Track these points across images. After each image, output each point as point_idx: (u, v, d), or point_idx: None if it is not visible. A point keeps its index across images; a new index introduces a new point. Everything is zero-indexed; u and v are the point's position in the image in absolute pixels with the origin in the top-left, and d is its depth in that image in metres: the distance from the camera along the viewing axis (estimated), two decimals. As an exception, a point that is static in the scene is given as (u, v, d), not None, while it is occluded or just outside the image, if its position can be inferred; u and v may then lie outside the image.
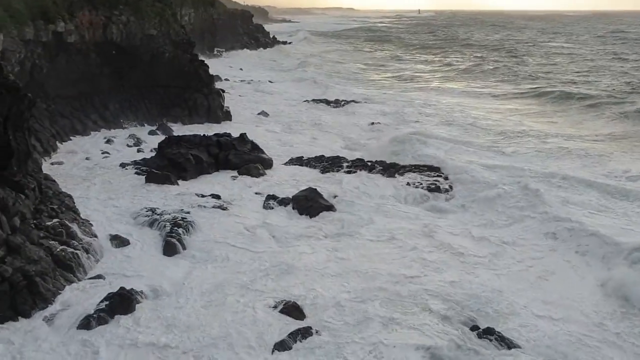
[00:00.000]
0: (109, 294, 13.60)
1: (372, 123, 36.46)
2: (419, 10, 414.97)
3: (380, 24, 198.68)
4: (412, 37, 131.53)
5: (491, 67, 67.33)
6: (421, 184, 23.26)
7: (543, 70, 64.12)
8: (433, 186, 22.95)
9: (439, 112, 40.73)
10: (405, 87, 55.65)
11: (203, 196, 21.15)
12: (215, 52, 76.76)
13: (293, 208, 20.40)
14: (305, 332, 12.55)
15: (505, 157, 27.93)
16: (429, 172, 24.65)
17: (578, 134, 33.38)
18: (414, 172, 24.71)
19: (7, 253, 13.78)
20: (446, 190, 22.72)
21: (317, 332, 12.64)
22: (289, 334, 12.45)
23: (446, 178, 24.01)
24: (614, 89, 47.54)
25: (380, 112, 40.40)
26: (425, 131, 32.29)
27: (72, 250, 15.21)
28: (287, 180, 24.05)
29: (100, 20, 32.45)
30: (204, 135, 26.93)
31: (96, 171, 24.22)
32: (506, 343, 12.30)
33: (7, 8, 25.40)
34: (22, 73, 26.36)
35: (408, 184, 23.26)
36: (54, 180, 19.25)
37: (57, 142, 27.37)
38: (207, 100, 35.17)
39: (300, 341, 12.29)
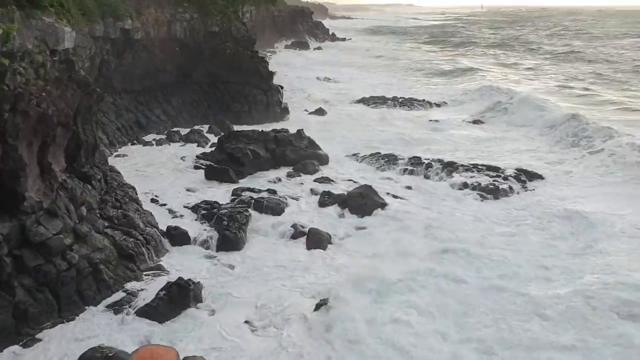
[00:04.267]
0: (167, 283, 14.03)
1: (430, 120, 35.99)
2: (481, 5, 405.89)
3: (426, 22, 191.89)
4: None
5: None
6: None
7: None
8: (492, 186, 22.48)
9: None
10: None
11: (260, 191, 21.46)
12: (275, 49, 77.58)
13: (346, 206, 20.33)
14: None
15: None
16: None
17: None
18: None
19: (75, 241, 14.44)
20: (505, 192, 22.15)
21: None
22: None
23: (505, 178, 23.39)
24: None
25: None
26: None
27: (133, 240, 15.79)
28: (342, 176, 24.11)
29: (165, 17, 33.43)
30: (262, 130, 27.33)
31: (158, 164, 25.01)
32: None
33: (80, 6, 26.50)
34: (92, 68, 27.43)
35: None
36: (119, 172, 20.03)
37: (122, 135, 28.42)
38: (266, 96, 35.58)
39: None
